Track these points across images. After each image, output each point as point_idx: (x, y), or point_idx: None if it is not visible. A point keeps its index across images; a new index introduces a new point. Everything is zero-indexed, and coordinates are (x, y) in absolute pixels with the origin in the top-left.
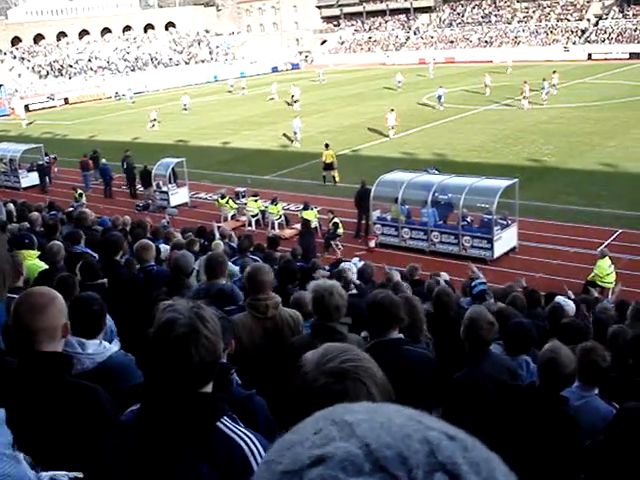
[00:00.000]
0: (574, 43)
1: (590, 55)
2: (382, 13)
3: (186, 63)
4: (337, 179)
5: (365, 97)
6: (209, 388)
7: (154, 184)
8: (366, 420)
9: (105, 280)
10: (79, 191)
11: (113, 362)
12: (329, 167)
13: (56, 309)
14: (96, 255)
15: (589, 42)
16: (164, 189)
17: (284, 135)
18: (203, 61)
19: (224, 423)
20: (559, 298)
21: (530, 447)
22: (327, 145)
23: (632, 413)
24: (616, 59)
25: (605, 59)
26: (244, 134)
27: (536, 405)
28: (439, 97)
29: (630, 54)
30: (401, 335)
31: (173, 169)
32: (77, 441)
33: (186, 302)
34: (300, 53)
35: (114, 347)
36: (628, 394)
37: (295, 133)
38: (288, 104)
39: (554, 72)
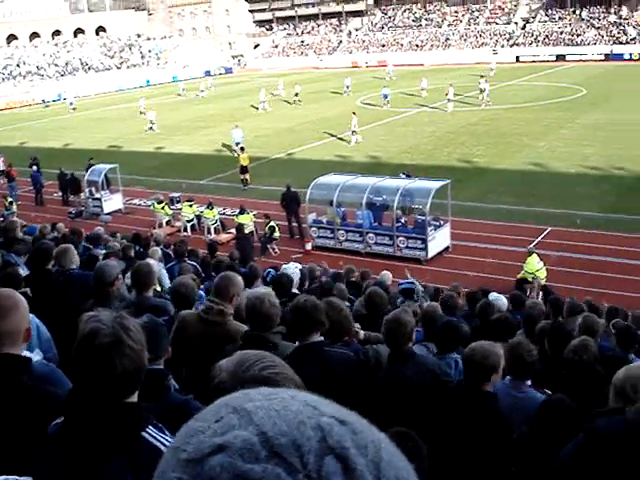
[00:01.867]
0: (502, 46)
1: (518, 58)
2: (314, 17)
3: (117, 68)
4: (249, 181)
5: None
6: (134, 397)
7: (87, 191)
8: (263, 407)
9: (27, 289)
10: (9, 199)
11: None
12: (244, 170)
13: (20, 314)
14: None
15: (517, 45)
16: (97, 196)
17: (225, 146)
18: (135, 65)
19: (149, 432)
20: (492, 295)
21: (461, 444)
22: (243, 149)
23: (554, 405)
24: (543, 61)
25: (533, 61)
26: (177, 139)
27: (464, 402)
28: (385, 96)
29: (557, 56)
30: (321, 338)
31: (106, 175)
32: (33, 446)
33: (109, 312)
34: (233, 57)
35: (35, 357)
36: (552, 384)
37: (237, 144)
38: (253, 107)
39: (482, 76)
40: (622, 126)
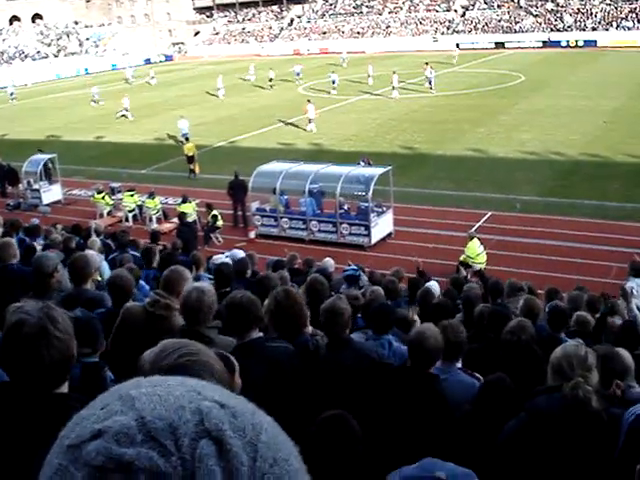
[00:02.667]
0: (442, 34)
1: (458, 45)
2: (255, 4)
3: (55, 56)
4: (197, 171)
5: (240, 89)
6: (64, 388)
7: (25, 182)
8: (147, 394)
9: None
10: None
11: None
12: (191, 160)
13: None
14: None
15: (457, 32)
16: (35, 187)
17: (170, 137)
18: (73, 54)
19: None
20: (430, 283)
21: (405, 425)
22: (187, 138)
23: (494, 384)
24: (483, 49)
25: (472, 49)
26: (117, 128)
27: (408, 384)
28: (333, 82)
29: (496, 44)
30: (261, 334)
31: (45, 165)
32: None
33: (36, 303)
34: (173, 45)
35: None
36: (489, 365)
37: (184, 134)
38: (209, 94)
39: (426, 64)
40: (559, 111)
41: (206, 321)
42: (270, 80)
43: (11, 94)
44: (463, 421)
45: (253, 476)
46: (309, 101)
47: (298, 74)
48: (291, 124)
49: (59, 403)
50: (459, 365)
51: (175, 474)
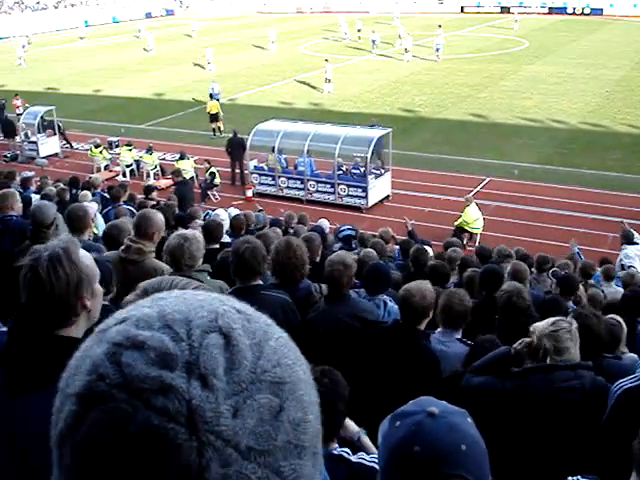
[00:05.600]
0: None
1: (462, 8)
2: None
3: (55, 7)
4: (222, 129)
5: (240, 46)
6: (75, 332)
7: (22, 134)
8: (174, 296)
9: None
10: None
11: None
12: (214, 118)
13: None
14: None
15: None
16: (33, 139)
17: (170, 92)
18: (73, 5)
19: None
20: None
21: (393, 379)
22: (211, 95)
23: (481, 345)
24: (487, 12)
25: (477, 12)
26: (116, 81)
27: (398, 340)
28: (373, 41)
29: (501, 8)
30: (260, 282)
31: (42, 118)
32: None
33: (57, 242)
34: None
35: None
36: (481, 324)
37: (216, 96)
38: (257, 46)
39: (439, 26)
40: (561, 79)
41: (191, 266)
42: (358, 30)
43: (23, 46)
44: (451, 381)
45: (254, 371)
46: (327, 60)
47: (345, 33)
48: (296, 82)
49: (62, 345)
50: (458, 336)
51: (182, 356)
